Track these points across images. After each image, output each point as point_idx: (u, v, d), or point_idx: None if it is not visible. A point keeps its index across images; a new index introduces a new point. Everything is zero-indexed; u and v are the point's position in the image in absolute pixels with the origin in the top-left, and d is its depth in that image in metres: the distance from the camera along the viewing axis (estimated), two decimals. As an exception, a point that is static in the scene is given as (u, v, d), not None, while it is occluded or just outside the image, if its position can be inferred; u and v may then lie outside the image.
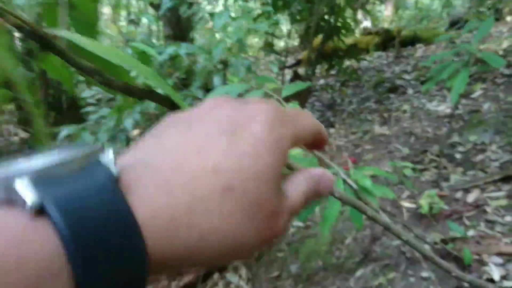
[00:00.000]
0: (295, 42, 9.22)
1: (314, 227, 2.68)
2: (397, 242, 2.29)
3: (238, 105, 0.26)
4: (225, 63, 1.96)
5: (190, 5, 2.77)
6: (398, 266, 2.14)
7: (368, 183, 1.28)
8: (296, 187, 0.27)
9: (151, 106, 2.70)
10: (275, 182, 0.23)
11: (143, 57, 2.24)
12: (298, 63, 6.37)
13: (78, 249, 0.17)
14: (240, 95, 1.74)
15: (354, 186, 1.38)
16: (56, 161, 0.19)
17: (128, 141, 3.36)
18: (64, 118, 7.82)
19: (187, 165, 0.21)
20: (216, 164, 0.22)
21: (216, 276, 2.76)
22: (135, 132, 6.41)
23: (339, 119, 4.12)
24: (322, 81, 5.88)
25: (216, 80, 1.94)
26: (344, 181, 1.42)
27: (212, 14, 2.30)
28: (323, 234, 1.34)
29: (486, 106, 3.24)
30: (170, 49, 2.04)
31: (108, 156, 0.21)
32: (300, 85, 1.63)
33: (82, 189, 0.18)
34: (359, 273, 2.24)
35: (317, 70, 6.22)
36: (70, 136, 3.53)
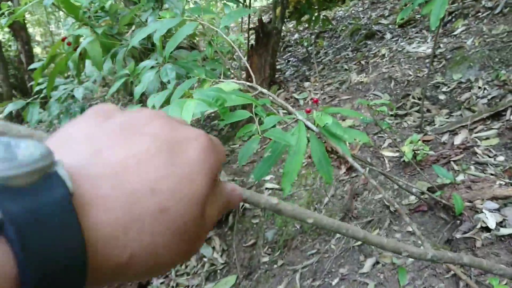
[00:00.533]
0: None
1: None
2: (379, 196, 2.05)
3: (175, 123, 0.26)
4: (160, 0, 1.63)
5: None
6: (381, 222, 1.91)
7: (329, 121, 1.01)
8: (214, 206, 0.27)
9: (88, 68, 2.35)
10: (204, 206, 0.24)
11: (69, 6, 1.88)
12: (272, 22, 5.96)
13: (32, 270, 0.17)
14: (169, 31, 1.43)
15: (315, 129, 1.10)
16: (12, 167, 0.18)
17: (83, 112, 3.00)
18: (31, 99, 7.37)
19: (126, 181, 0.21)
20: (154, 183, 0.22)
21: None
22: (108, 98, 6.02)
23: (315, 72, 3.81)
24: (296, 36, 5.53)
25: (150, 20, 1.61)
26: (306, 126, 1.15)
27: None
28: (284, 191, 1.08)
29: (469, 41, 2.96)
30: (95, -9, 1.70)
31: (62, 168, 0.20)
32: (242, 11, 1.33)
33: (40, 206, 0.18)
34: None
35: (290, 26, 5.86)
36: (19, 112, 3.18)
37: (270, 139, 1.13)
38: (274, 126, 1.20)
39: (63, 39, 1.85)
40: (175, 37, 1.23)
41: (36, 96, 2.88)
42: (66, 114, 2.89)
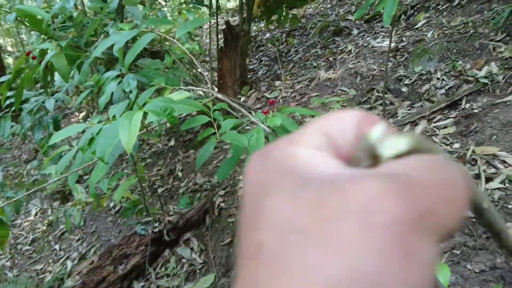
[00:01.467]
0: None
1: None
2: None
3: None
4: (120, 11, 1.67)
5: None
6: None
7: (278, 121, 1.08)
8: None
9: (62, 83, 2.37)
10: None
11: (33, 21, 1.91)
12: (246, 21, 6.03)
13: None
14: (128, 43, 1.48)
15: (267, 129, 1.17)
16: None
17: (57, 124, 3.01)
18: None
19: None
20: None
21: (167, 252, 2.57)
22: (81, 115, 5.96)
23: (284, 70, 3.89)
24: (268, 35, 5.61)
25: (111, 32, 1.66)
26: (262, 128, 1.22)
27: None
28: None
29: (429, 34, 3.08)
30: (57, 5, 1.73)
31: None
32: (199, 20, 1.39)
33: None
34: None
35: (261, 25, 5.93)
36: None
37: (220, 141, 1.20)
38: (234, 128, 1.27)
39: (27, 53, 1.88)
40: (133, 48, 1.28)
41: (7, 110, 2.88)
42: (39, 126, 2.90)
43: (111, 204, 3.46)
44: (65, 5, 1.66)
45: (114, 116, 1.16)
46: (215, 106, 1.24)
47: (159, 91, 1.39)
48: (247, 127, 1.53)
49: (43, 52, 1.93)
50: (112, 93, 1.55)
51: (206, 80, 2.99)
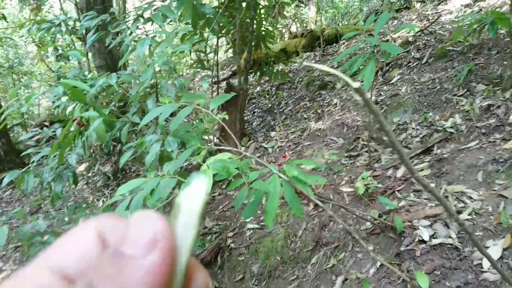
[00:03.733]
0: (230, 54, 9.44)
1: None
2: (346, 224, 2.49)
3: None
4: (155, 86, 2.07)
5: (117, 34, 2.85)
6: (346, 246, 2.34)
7: (296, 172, 1.45)
8: None
9: (92, 138, 2.73)
10: None
11: (76, 92, 2.29)
12: (234, 74, 6.56)
13: None
14: (173, 114, 1.86)
15: (285, 178, 1.54)
16: None
17: (75, 177, 3.33)
18: (3, 165, 7.48)
19: None
20: None
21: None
22: (82, 167, 6.26)
23: (278, 122, 4.33)
24: (258, 88, 6.11)
25: (149, 103, 2.04)
26: (279, 176, 1.58)
27: (136, 41, 2.40)
28: (268, 227, 1.49)
29: (403, 89, 3.58)
30: (101, 81, 2.12)
31: None
32: (225, 96, 1.78)
33: None
34: (313, 259, 2.41)
35: (251, 79, 6.45)
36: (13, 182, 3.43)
37: (251, 188, 1.56)
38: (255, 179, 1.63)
39: (74, 120, 2.24)
40: (177, 118, 1.66)
41: (28, 166, 3.21)
42: (60, 179, 3.20)
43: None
44: (110, 82, 2.05)
45: (168, 172, 1.51)
46: (242, 161, 1.61)
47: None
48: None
49: (84, 118, 2.30)
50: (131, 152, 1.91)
51: (210, 136, 3.36)
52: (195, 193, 0.24)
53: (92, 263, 0.23)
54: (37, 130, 3.72)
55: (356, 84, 0.61)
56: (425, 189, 0.77)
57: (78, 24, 3.97)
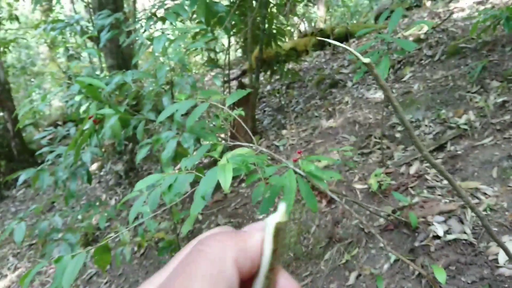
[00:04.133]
0: (239, 54, 9.47)
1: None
2: (356, 221, 2.49)
3: None
4: (170, 84, 2.09)
5: (129, 33, 2.88)
6: (359, 242, 2.34)
7: (312, 168, 1.46)
8: None
9: (105, 136, 2.77)
10: None
11: (91, 90, 2.32)
12: (244, 73, 6.58)
13: None
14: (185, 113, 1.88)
15: (302, 173, 1.55)
16: None
17: (89, 176, 3.37)
18: (16, 165, 7.58)
19: None
20: None
21: None
22: (94, 166, 6.34)
23: (290, 120, 4.33)
24: (269, 87, 6.12)
25: (165, 100, 2.07)
26: (295, 171, 1.59)
27: (151, 39, 2.43)
28: (288, 208, 1.50)
29: (416, 86, 3.56)
30: (117, 78, 2.15)
31: None
32: (241, 93, 1.80)
33: None
34: (327, 256, 2.42)
35: (261, 78, 6.46)
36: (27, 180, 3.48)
37: (267, 183, 1.57)
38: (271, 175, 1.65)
39: (89, 117, 2.28)
40: (193, 114, 1.68)
41: (43, 165, 3.26)
42: (74, 177, 3.25)
43: (135, 248, 3.75)
44: (125, 79, 2.08)
45: (185, 167, 1.53)
46: (260, 157, 1.63)
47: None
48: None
49: (101, 116, 2.33)
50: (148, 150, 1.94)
51: (223, 133, 3.36)
52: (277, 216, 0.31)
53: None
54: (51, 129, 3.77)
55: (366, 60, 0.62)
56: (435, 168, 0.78)
57: (90, 24, 4.02)
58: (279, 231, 0.30)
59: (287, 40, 7.94)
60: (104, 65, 5.46)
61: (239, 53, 8.67)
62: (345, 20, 9.74)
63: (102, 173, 6.08)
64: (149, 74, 2.20)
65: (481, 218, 0.93)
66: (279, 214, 0.30)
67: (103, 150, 6.09)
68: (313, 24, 10.26)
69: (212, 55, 4.99)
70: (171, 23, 2.47)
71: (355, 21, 9.49)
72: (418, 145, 0.76)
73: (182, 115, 1.81)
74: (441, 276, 1.25)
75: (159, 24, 2.83)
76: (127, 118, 2.23)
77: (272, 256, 0.29)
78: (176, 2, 2.81)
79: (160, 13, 2.77)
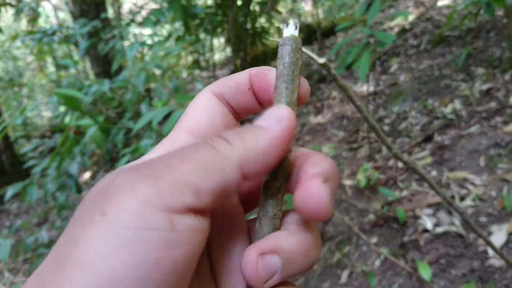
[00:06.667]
0: (229, 54, 9.41)
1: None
2: (346, 217, 2.47)
3: None
4: (147, 91, 2.06)
5: (107, 41, 2.84)
6: (350, 239, 2.32)
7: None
8: None
9: (92, 146, 2.73)
10: None
11: (70, 101, 2.29)
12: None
13: None
14: (166, 117, 1.85)
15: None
16: None
17: (78, 186, 3.32)
18: (9, 178, 7.54)
19: None
20: None
21: None
22: (87, 174, 6.28)
23: (278, 118, 4.31)
24: (258, 86, 6.08)
25: (143, 107, 2.04)
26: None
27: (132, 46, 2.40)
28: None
29: (402, 77, 3.54)
30: (94, 88, 2.12)
31: None
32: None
33: None
34: (318, 255, 2.39)
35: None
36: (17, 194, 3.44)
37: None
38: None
39: (69, 129, 2.24)
40: (170, 121, 1.65)
41: (31, 178, 3.21)
42: (63, 189, 3.21)
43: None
44: (102, 88, 2.04)
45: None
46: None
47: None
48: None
49: (80, 126, 2.30)
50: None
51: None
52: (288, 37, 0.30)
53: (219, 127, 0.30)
54: (37, 142, 3.72)
55: (321, 60, 0.59)
56: (407, 166, 0.75)
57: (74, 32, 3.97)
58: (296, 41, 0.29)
59: (274, 37, 7.89)
60: (91, 72, 5.40)
61: (229, 52, 8.62)
62: (333, 13, 9.71)
63: (94, 182, 6.04)
64: (127, 82, 2.17)
65: (461, 213, 0.91)
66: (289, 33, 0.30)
67: (94, 158, 6.05)
68: (301, 20, 10.22)
69: (197, 57, 4.94)
70: (151, 29, 2.44)
71: (342, 14, 9.45)
72: (386, 144, 0.74)
73: (159, 122, 1.78)
74: (426, 272, 1.23)
75: (147, 30, 2.80)
76: (108, 127, 2.20)
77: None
78: (154, 7, 2.77)
79: (141, 18, 2.73)
